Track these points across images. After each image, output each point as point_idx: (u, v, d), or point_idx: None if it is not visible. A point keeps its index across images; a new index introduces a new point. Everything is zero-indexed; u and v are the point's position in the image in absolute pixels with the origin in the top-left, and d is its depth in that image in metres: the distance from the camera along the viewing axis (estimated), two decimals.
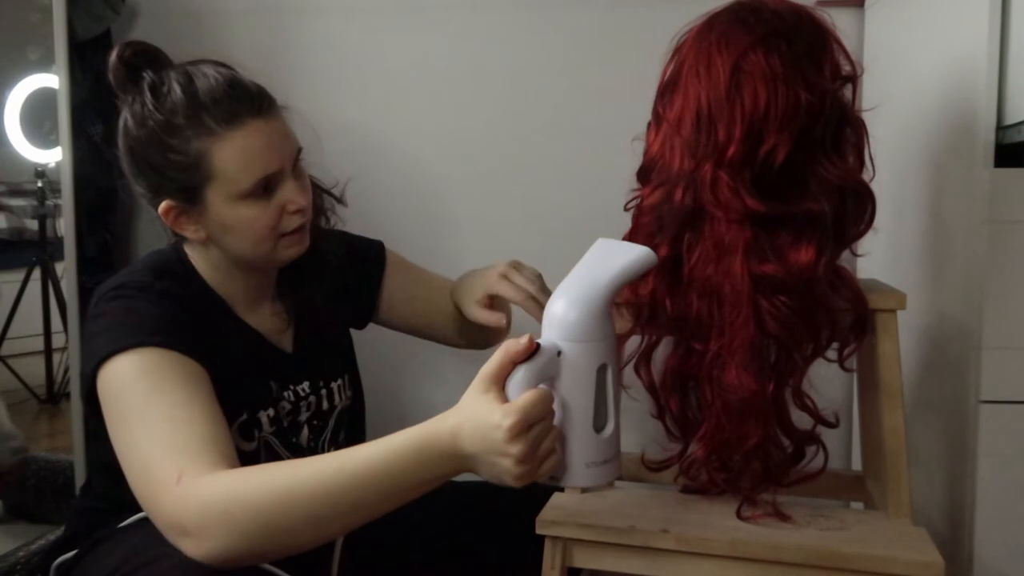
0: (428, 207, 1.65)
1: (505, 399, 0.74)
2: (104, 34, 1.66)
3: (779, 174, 0.87)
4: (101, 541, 0.96)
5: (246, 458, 0.95)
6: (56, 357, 2.08)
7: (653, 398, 0.97)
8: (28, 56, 1.91)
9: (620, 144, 1.06)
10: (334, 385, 1.14)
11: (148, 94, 0.96)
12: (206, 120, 0.93)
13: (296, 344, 1.10)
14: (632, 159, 1.00)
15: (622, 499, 0.99)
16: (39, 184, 1.98)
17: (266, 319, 1.08)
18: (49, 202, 1.99)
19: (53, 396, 2.10)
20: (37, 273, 2.05)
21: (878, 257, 1.28)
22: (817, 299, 0.88)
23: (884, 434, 0.94)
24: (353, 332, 1.25)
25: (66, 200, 1.63)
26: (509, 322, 1.14)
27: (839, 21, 0.93)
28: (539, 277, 1.12)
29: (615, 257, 0.82)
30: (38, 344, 2.08)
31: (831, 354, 0.94)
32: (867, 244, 1.06)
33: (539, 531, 0.93)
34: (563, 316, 0.78)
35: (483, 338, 1.27)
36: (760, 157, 0.86)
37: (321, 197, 1.12)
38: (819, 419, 0.93)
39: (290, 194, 0.99)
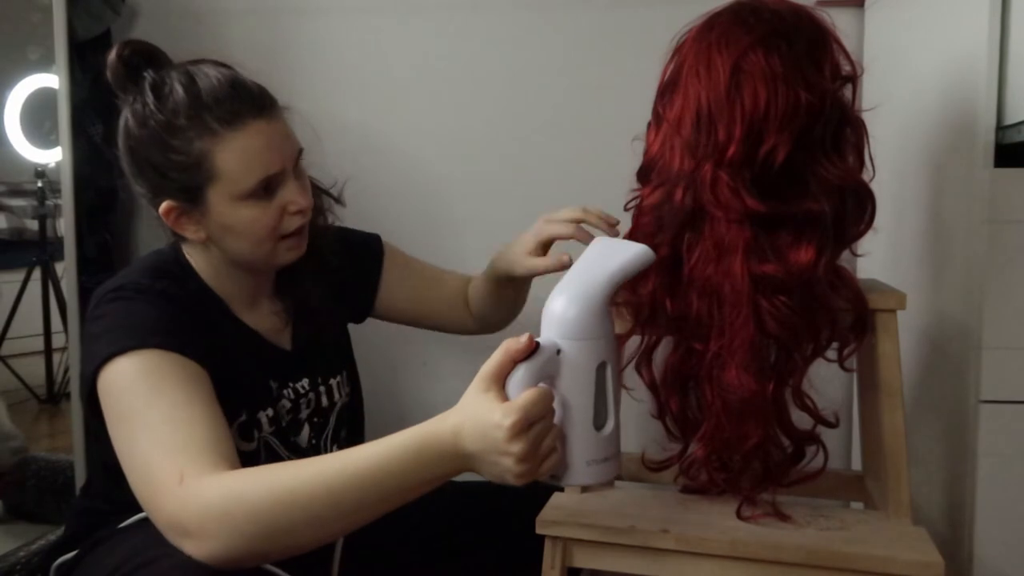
0: (428, 207, 1.65)
1: (505, 398, 0.74)
2: (104, 34, 1.66)
3: (779, 174, 0.87)
4: (101, 541, 0.96)
5: (246, 458, 0.95)
6: (56, 357, 2.08)
7: (653, 398, 0.97)
8: (28, 56, 1.91)
9: (620, 144, 1.06)
10: (333, 382, 1.14)
11: (150, 94, 0.96)
12: (208, 120, 0.93)
13: (295, 342, 1.10)
14: (632, 159, 1.00)
15: (622, 499, 0.99)
16: (39, 184, 1.98)
17: (265, 318, 1.08)
18: (49, 202, 1.99)
19: (53, 396, 2.11)
20: (37, 273, 2.06)
21: (878, 257, 1.28)
22: (817, 299, 0.88)
23: (884, 434, 0.94)
24: (353, 331, 1.25)
25: (66, 200, 1.63)
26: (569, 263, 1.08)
27: (839, 21, 0.93)
28: (581, 208, 1.08)
29: (613, 255, 0.82)
30: (38, 344, 2.08)
31: (831, 354, 0.94)
32: (867, 244, 1.06)
33: (539, 531, 0.93)
34: (562, 314, 0.78)
35: (499, 317, 1.27)
36: (760, 157, 0.86)
37: (320, 197, 1.12)
38: (819, 419, 0.94)
39: (291, 195, 0.99)
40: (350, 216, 1.20)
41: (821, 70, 0.88)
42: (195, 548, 0.77)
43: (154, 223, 1.02)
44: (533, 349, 0.75)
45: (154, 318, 0.92)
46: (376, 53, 1.64)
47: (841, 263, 0.92)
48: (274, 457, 1.04)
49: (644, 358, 0.96)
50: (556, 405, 0.77)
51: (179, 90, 0.95)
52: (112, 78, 0.98)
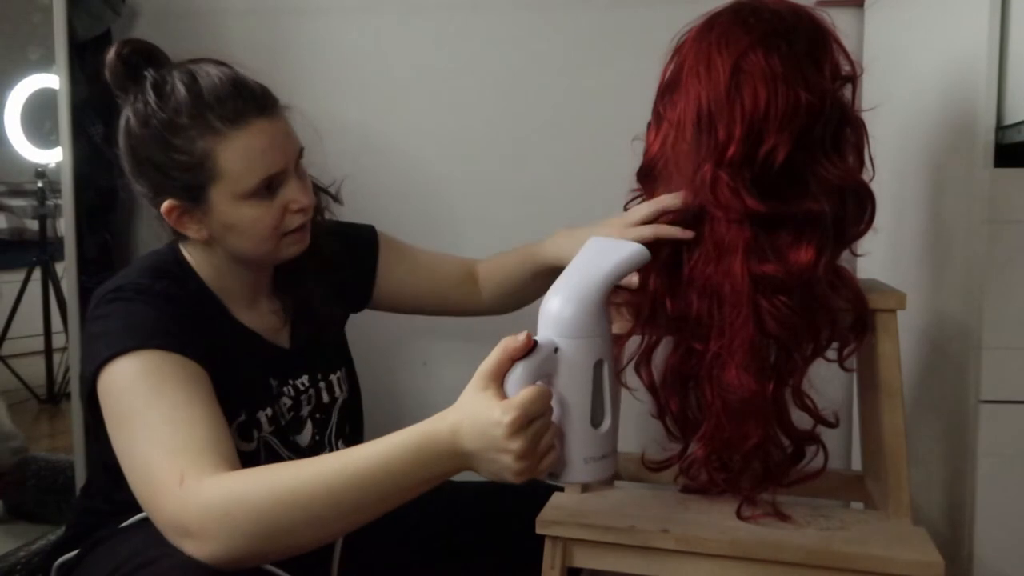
0: (428, 207, 1.65)
1: (504, 396, 0.74)
2: (104, 34, 1.66)
3: (779, 174, 0.87)
4: (102, 541, 0.96)
5: (245, 459, 0.95)
6: (56, 357, 2.08)
7: (653, 398, 0.97)
8: (28, 56, 1.91)
9: (620, 144, 1.06)
10: (333, 377, 1.14)
11: (151, 93, 0.95)
12: (211, 119, 0.93)
13: (293, 340, 1.10)
14: (632, 159, 1.00)
15: (622, 499, 0.99)
16: (39, 184, 1.98)
17: (263, 317, 1.08)
18: (49, 202, 1.99)
19: (53, 396, 2.11)
20: (37, 273, 2.06)
21: (878, 257, 1.28)
22: (817, 299, 0.88)
23: (884, 434, 0.94)
24: (353, 330, 1.24)
25: (66, 200, 1.63)
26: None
27: (839, 21, 0.93)
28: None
29: (609, 254, 0.82)
30: (38, 344, 2.08)
31: (831, 354, 0.94)
32: (867, 244, 1.06)
33: (539, 531, 0.93)
34: (559, 313, 0.79)
35: (523, 301, 1.24)
36: (760, 157, 0.86)
37: (318, 195, 1.12)
38: (819, 419, 0.93)
39: (293, 193, 0.99)
40: (350, 215, 1.20)
41: (821, 70, 0.88)
42: (195, 548, 0.77)
43: (154, 223, 1.02)
44: (531, 347, 0.76)
45: (154, 318, 0.92)
46: (376, 53, 1.64)
47: (841, 263, 0.92)
48: (274, 457, 1.04)
49: (644, 358, 0.96)
50: (554, 403, 0.77)
51: (181, 89, 0.94)
52: (111, 77, 0.98)
